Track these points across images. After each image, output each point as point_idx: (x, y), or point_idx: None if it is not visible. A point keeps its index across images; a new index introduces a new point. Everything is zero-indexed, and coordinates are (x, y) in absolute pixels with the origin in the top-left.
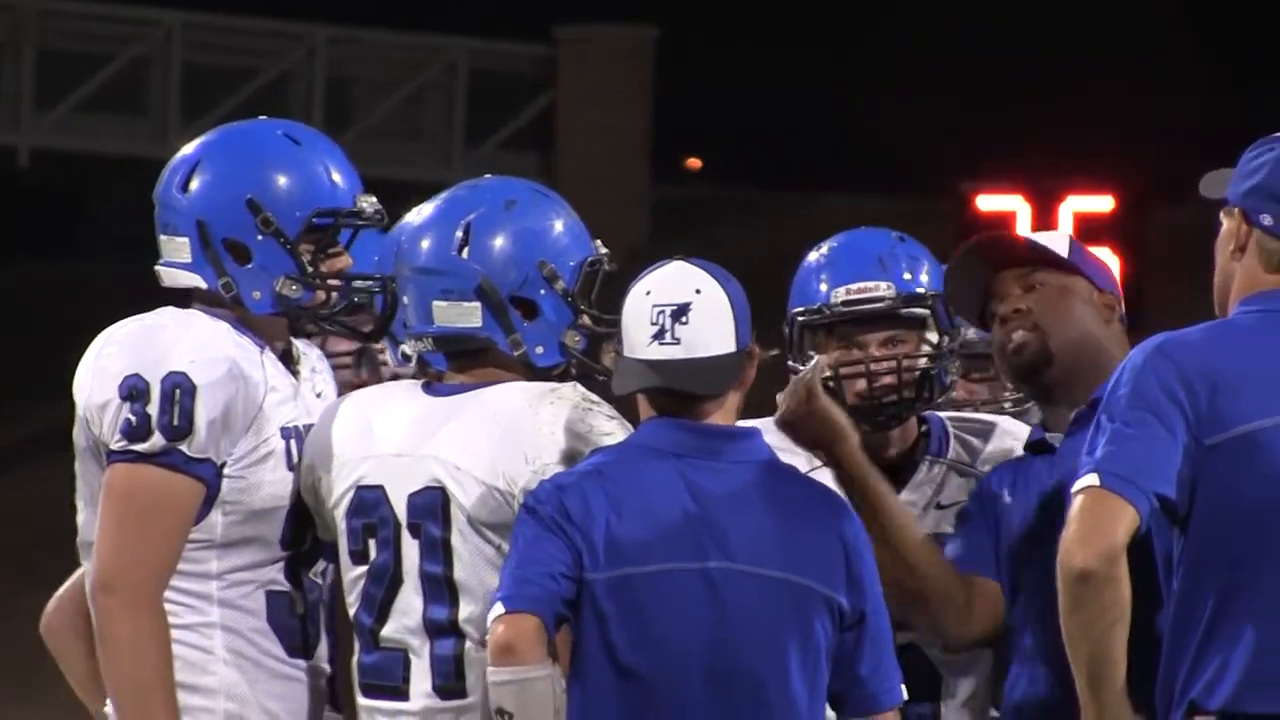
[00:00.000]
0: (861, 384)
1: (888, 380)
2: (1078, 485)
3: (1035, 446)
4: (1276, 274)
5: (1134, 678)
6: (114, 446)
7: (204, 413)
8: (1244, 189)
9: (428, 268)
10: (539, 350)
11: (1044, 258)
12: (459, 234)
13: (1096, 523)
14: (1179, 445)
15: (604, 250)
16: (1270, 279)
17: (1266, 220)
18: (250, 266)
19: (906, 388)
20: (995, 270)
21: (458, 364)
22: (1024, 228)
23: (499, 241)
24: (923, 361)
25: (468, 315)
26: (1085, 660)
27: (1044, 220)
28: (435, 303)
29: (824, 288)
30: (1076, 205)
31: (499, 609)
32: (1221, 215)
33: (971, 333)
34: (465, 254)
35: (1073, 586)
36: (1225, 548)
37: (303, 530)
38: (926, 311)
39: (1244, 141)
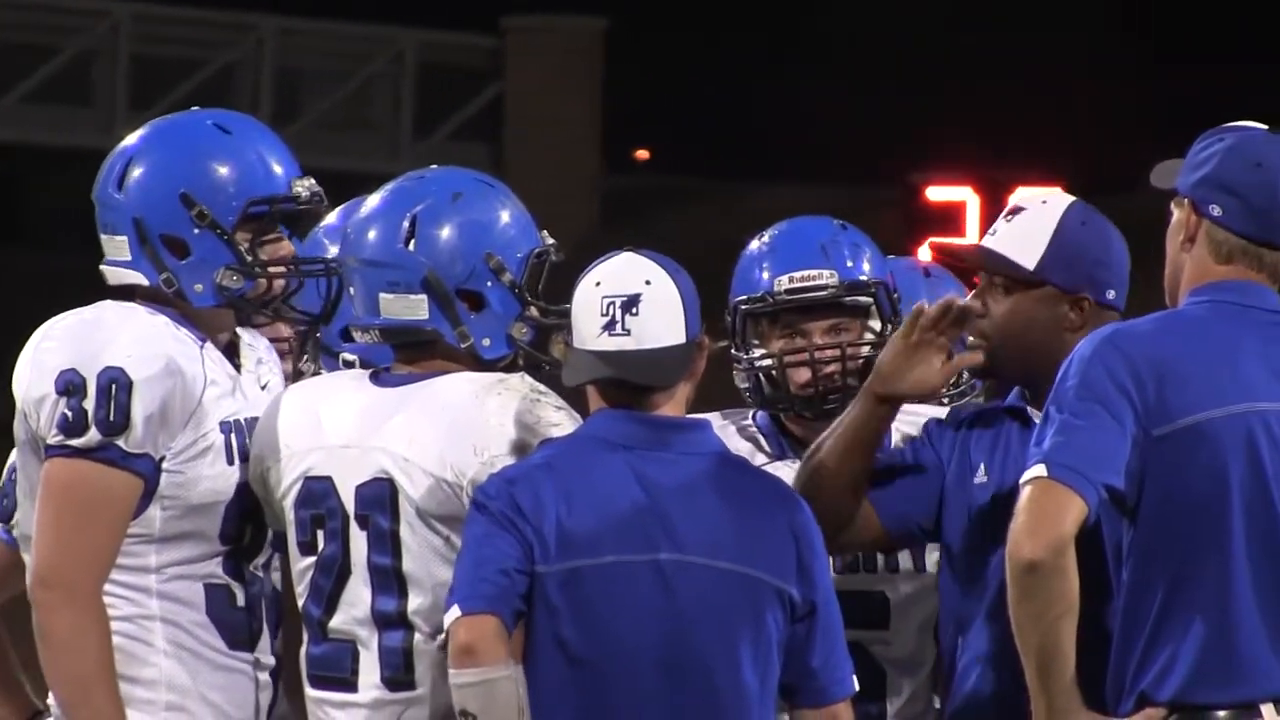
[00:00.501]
0: (805, 373)
1: (832, 368)
2: (1026, 476)
3: (1016, 413)
4: (1225, 264)
5: (1083, 669)
6: (51, 441)
7: (141, 408)
8: (1193, 180)
9: (374, 260)
10: (486, 342)
11: (1002, 271)
12: (405, 226)
13: (1044, 514)
14: (1127, 436)
15: (551, 241)
16: (1220, 269)
17: (1215, 211)
18: (189, 260)
19: (851, 376)
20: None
21: (405, 355)
22: (973, 218)
23: (445, 234)
24: (866, 350)
25: (414, 308)
26: (1034, 651)
27: (994, 210)
28: (382, 295)
29: (766, 276)
30: (1025, 195)
31: (456, 611)
32: (1172, 206)
33: None
34: (411, 246)
35: (1021, 578)
36: (1174, 539)
37: (243, 524)
38: (870, 300)
39: (1193, 131)
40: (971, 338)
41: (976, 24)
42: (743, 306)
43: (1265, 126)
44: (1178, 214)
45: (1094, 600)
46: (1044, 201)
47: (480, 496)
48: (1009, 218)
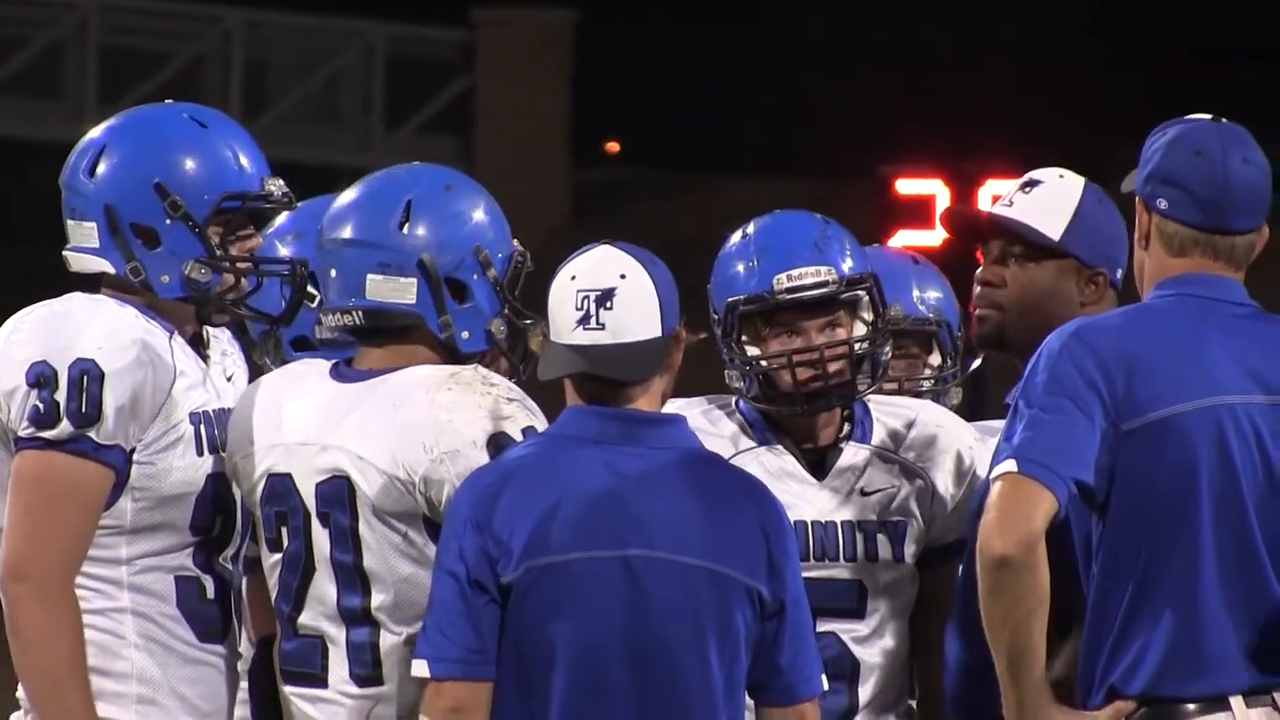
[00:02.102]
0: (810, 370)
1: (839, 365)
2: (996, 471)
3: None
4: (1181, 257)
5: (1053, 663)
6: (22, 434)
7: (112, 399)
8: (1142, 177)
9: (364, 240)
10: (465, 335)
11: (1025, 240)
12: (400, 210)
13: (1014, 509)
14: (1096, 431)
15: (521, 249)
16: (1176, 263)
17: (1162, 205)
18: (159, 251)
19: (858, 371)
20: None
21: (377, 341)
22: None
23: (440, 221)
24: (866, 344)
25: (403, 291)
26: (1004, 646)
27: (963, 203)
28: (370, 276)
29: (760, 274)
30: (995, 188)
31: (450, 669)
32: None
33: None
34: (406, 230)
35: (991, 573)
36: (1142, 533)
37: (213, 515)
38: (864, 294)
39: (1152, 121)
40: (985, 309)
41: (947, 18)
42: (741, 306)
43: (1208, 116)
44: (1138, 214)
45: (1063, 595)
46: (1061, 176)
47: (446, 537)
48: (1026, 189)
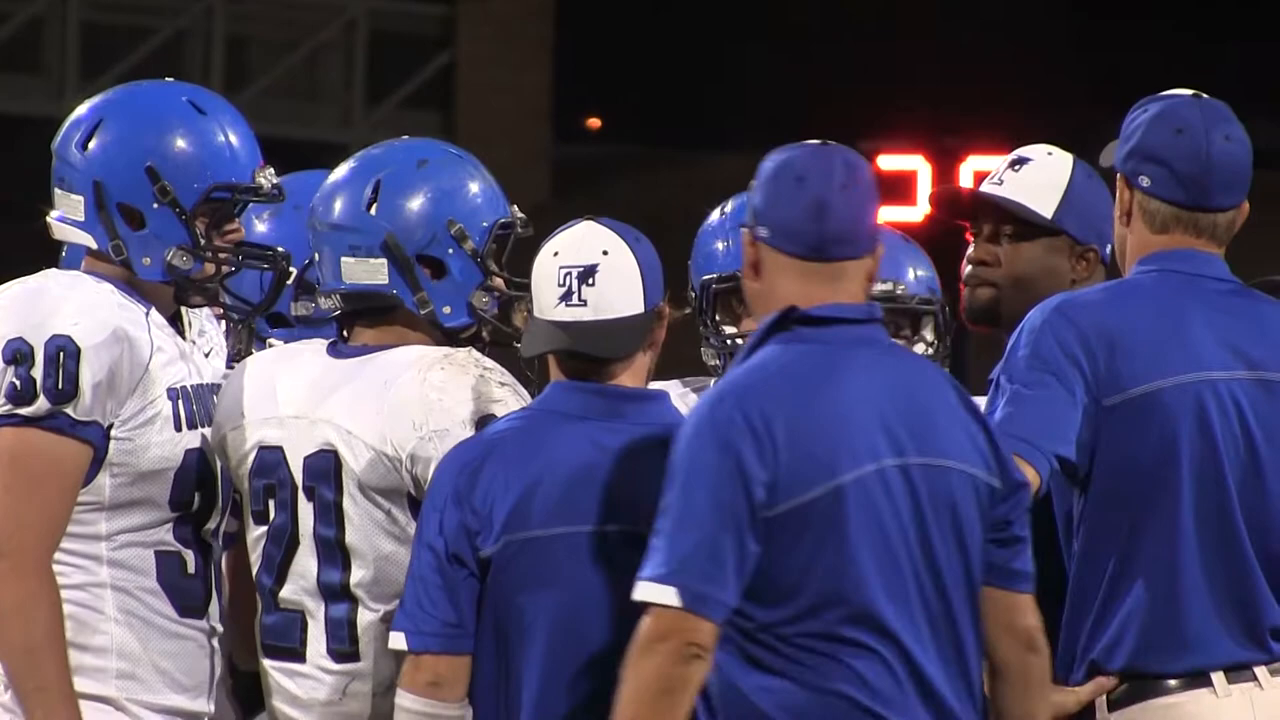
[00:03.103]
0: None
1: None
2: None
3: None
4: (1163, 234)
5: None
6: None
7: (89, 375)
8: (1123, 153)
9: (338, 224)
10: (446, 310)
11: (1019, 218)
12: (368, 191)
13: None
14: (1078, 406)
15: (520, 214)
16: (1158, 239)
17: (1145, 182)
18: (143, 232)
19: None
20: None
21: (367, 322)
22: (924, 187)
23: (407, 199)
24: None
25: (374, 272)
26: None
27: (944, 180)
28: (344, 259)
29: (735, 253)
30: (978, 164)
31: (426, 643)
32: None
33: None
34: (373, 211)
35: None
36: (1124, 508)
37: (192, 491)
38: None
39: (1133, 98)
40: (978, 287)
41: None
42: (715, 285)
43: (1190, 92)
44: (1118, 190)
45: (1045, 570)
46: (1050, 153)
47: (427, 511)
48: (1015, 167)
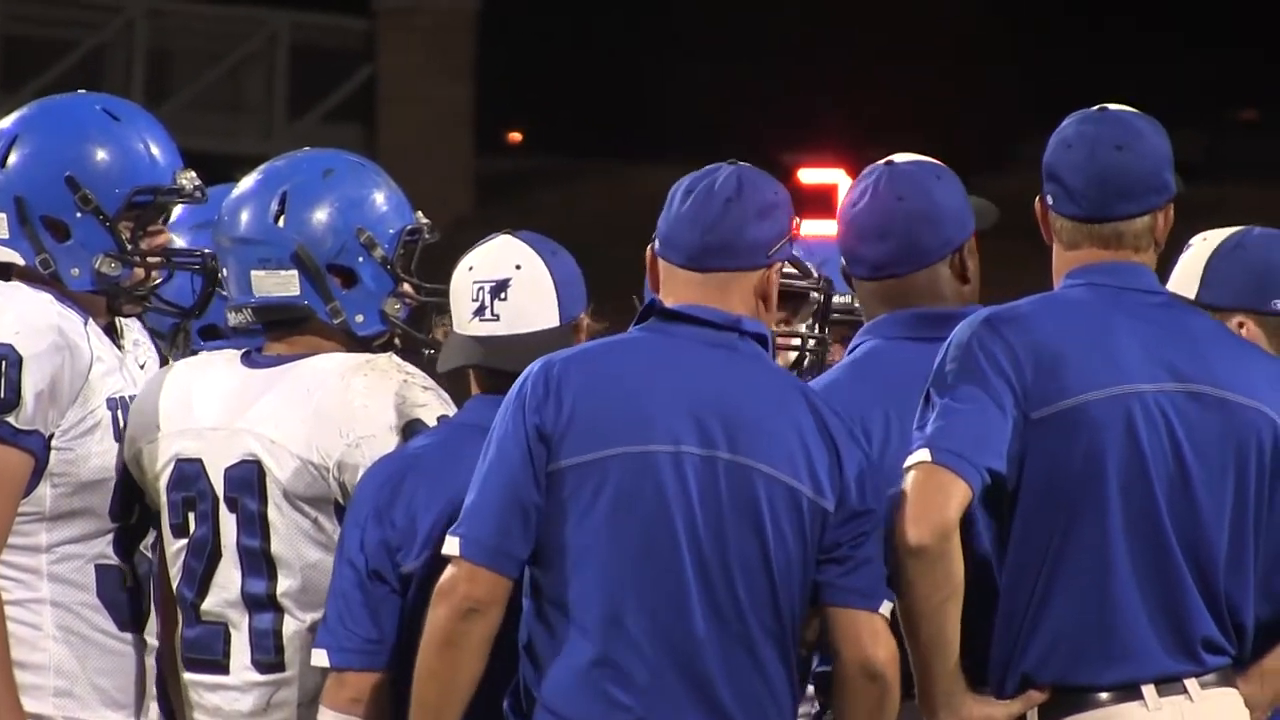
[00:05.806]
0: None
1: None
2: (910, 461)
3: None
4: (1072, 250)
5: (967, 652)
6: None
7: (31, 384)
8: (1043, 174)
9: (246, 238)
10: (359, 318)
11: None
12: (275, 203)
13: (929, 498)
14: (1008, 419)
15: (425, 220)
16: (1073, 255)
17: (1050, 200)
18: (69, 244)
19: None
20: None
21: (278, 334)
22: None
23: (315, 209)
24: (812, 343)
25: (285, 284)
26: (919, 635)
27: None
28: (254, 272)
29: None
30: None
31: (348, 660)
32: None
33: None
34: (281, 222)
35: (906, 562)
36: (1053, 521)
37: (131, 502)
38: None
39: (1064, 112)
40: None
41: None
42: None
43: (1112, 106)
44: None
45: (977, 584)
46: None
47: (348, 530)
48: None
